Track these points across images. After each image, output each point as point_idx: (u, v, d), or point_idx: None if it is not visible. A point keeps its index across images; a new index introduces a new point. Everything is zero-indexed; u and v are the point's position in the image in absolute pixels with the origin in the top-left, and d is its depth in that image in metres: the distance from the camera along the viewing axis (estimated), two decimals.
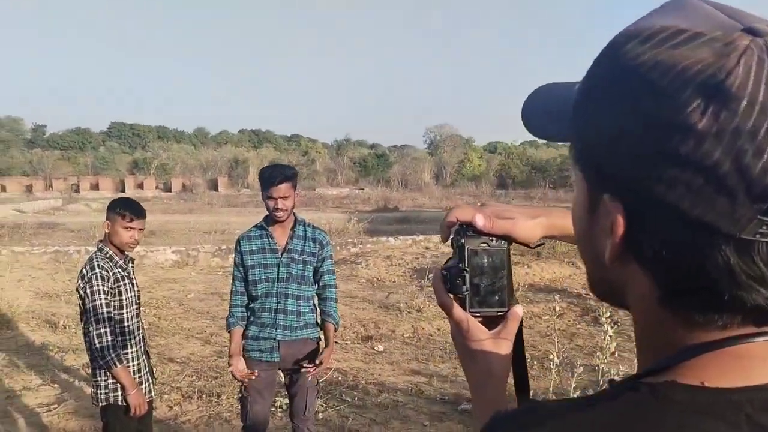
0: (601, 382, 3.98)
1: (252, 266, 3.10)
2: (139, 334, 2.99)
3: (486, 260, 0.75)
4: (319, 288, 3.22)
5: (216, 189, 44.09)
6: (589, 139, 0.50)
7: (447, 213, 0.80)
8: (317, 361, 3.08)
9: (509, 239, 0.77)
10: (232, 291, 3.20)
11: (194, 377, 5.36)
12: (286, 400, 3.74)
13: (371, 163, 51.95)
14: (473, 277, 0.75)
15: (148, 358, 3.11)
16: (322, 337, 3.21)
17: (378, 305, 8.54)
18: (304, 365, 3.08)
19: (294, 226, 3.15)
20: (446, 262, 0.83)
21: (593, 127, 0.49)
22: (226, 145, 62.65)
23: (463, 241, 0.75)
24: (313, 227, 3.25)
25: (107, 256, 2.89)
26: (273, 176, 2.99)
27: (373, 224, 18.37)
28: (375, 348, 6.41)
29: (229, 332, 3.16)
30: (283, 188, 3.00)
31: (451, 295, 0.76)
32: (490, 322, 0.76)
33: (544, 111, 0.60)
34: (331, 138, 63.26)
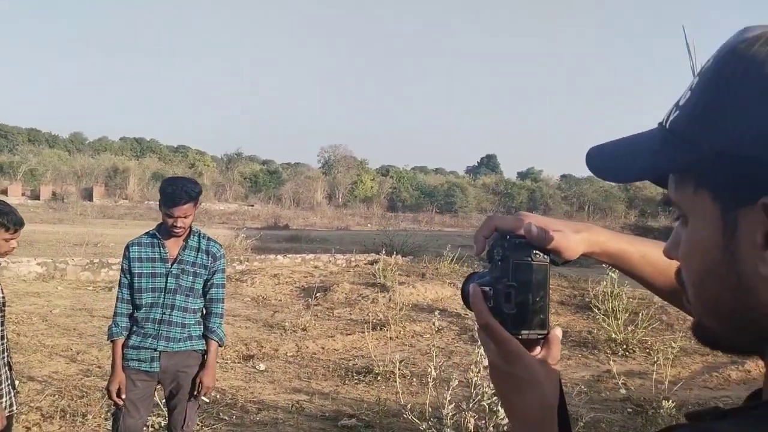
0: (473, 395, 4.18)
1: (139, 274, 3.01)
2: (1, 345, 2.75)
3: (531, 275, 0.68)
4: (206, 301, 3.12)
5: (91, 199, 41.17)
6: (729, 149, 0.47)
7: (483, 222, 0.74)
8: (197, 381, 3.01)
9: (554, 253, 0.71)
10: (117, 298, 3.08)
11: (56, 396, 4.96)
12: (161, 419, 3.60)
13: (263, 180, 51.05)
14: (518, 295, 0.67)
15: (11, 369, 2.86)
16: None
17: (262, 324, 8.39)
18: (189, 387, 3.01)
19: (188, 237, 3.07)
20: (467, 278, 0.76)
21: (737, 132, 0.47)
22: (105, 152, 58.83)
23: (507, 252, 0.68)
24: (208, 239, 3.17)
25: None
26: (176, 196, 2.90)
27: (261, 242, 18.03)
28: (256, 367, 6.30)
29: (111, 342, 3.04)
30: (186, 208, 2.94)
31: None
32: (527, 347, 0.69)
33: (614, 156, 0.59)
34: (222, 151, 61.41)
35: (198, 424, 4.44)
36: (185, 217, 2.96)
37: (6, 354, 2.78)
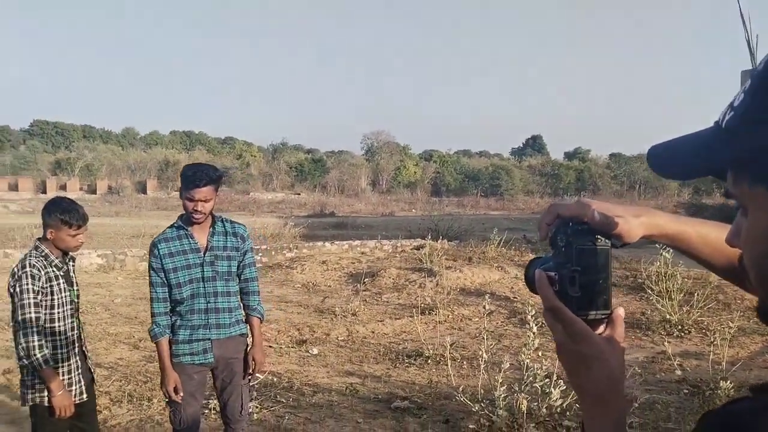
0: (524, 377, 4.19)
1: (174, 269, 2.93)
2: (72, 335, 2.90)
3: (594, 259, 0.72)
4: (241, 282, 3.12)
5: (144, 192, 42.60)
6: None
7: (546, 209, 0.78)
8: (250, 360, 3.06)
9: (615, 237, 0.75)
10: (152, 298, 3.00)
11: (123, 381, 5.24)
12: (216, 401, 3.73)
13: (308, 168, 51.64)
14: (582, 278, 0.71)
15: (86, 359, 3.03)
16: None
17: (313, 309, 8.57)
18: (242, 371, 3.05)
19: (213, 224, 3.04)
20: (531, 263, 0.81)
21: None
22: (156, 146, 60.62)
23: (571, 239, 0.72)
24: (232, 222, 3.15)
25: (42, 254, 2.84)
26: (197, 177, 2.85)
27: (309, 229, 18.32)
28: (310, 351, 6.45)
29: (155, 343, 2.98)
30: (206, 191, 2.86)
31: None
32: (592, 327, 0.72)
33: (674, 154, 0.64)
34: (267, 142, 62.26)
35: (257, 407, 4.61)
36: (205, 201, 2.89)
37: (77, 344, 2.94)
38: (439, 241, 12.78)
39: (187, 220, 2.98)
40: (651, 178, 46.66)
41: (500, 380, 4.10)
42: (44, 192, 40.65)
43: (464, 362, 5.93)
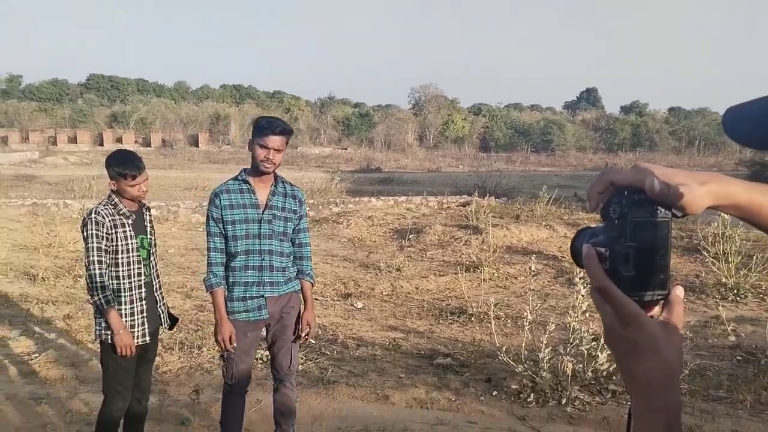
0: (570, 339, 4.13)
1: (232, 222, 2.95)
2: (138, 281, 2.98)
3: (652, 234, 0.64)
4: (294, 246, 3.16)
5: (197, 145, 43.44)
6: None
7: (598, 177, 0.69)
8: (304, 323, 3.11)
9: (676, 208, 0.66)
10: (209, 248, 3.02)
11: (175, 329, 5.42)
12: (267, 353, 3.81)
13: (355, 123, 51.50)
14: (637, 255, 0.64)
15: (156, 304, 3.11)
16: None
17: (358, 264, 8.65)
18: (293, 327, 3.09)
19: (275, 183, 3.07)
20: (578, 234, 0.73)
21: None
22: (207, 100, 61.43)
23: (626, 210, 0.65)
24: (291, 184, 3.18)
25: (112, 202, 2.96)
26: (273, 124, 2.90)
27: (355, 184, 18.37)
28: (354, 305, 6.54)
29: (210, 293, 3.00)
30: (279, 140, 2.90)
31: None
32: (645, 309, 0.66)
33: (758, 122, 0.58)
34: (315, 96, 62.24)
35: (302, 358, 4.73)
36: (277, 151, 2.92)
37: (144, 290, 3.02)
38: (486, 198, 12.60)
39: (253, 171, 3.00)
40: (711, 134, 44.47)
41: (545, 341, 4.05)
42: (101, 144, 42.02)
43: (508, 321, 5.89)
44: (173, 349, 4.92)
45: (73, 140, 43.09)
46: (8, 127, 46.24)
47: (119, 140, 43.42)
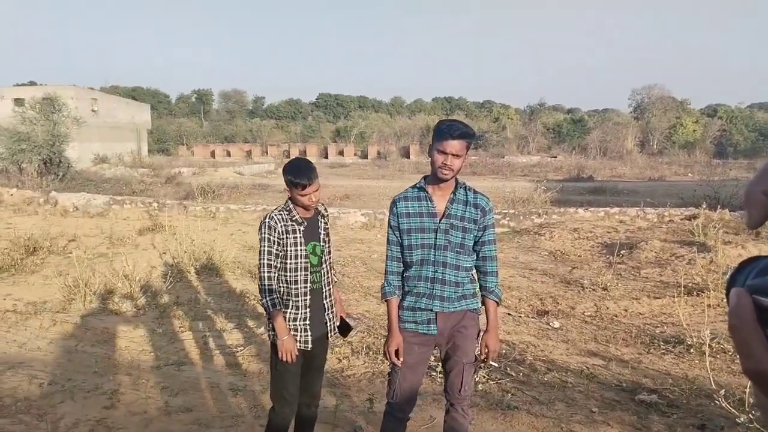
0: None
1: (408, 230, 2.85)
2: (305, 287, 3.00)
3: None
4: (478, 260, 2.91)
5: (408, 156, 45.47)
6: None
7: (754, 179, 0.44)
8: (482, 345, 2.86)
9: None
10: (387, 256, 2.96)
11: (365, 333, 5.56)
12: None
13: (566, 129, 49.20)
14: None
15: (323, 311, 3.10)
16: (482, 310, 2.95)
17: (559, 279, 8.08)
18: (467, 348, 2.86)
19: (455, 190, 2.87)
20: (741, 269, 0.47)
21: None
22: (420, 113, 64.03)
23: None
24: (475, 192, 2.93)
25: (287, 209, 3.05)
26: (452, 128, 2.72)
27: (561, 194, 17.42)
28: (550, 324, 6.07)
29: (385, 302, 2.95)
30: (458, 145, 2.71)
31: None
32: None
33: None
34: (525, 103, 60.93)
35: (484, 377, 4.47)
36: (456, 156, 2.72)
37: (311, 297, 3.04)
38: (717, 211, 10.96)
39: (432, 178, 2.86)
40: None
41: None
42: (326, 157, 46.25)
43: (735, 358, 4.93)
44: (360, 354, 5.02)
45: (303, 153, 48.19)
46: (252, 142, 53.55)
47: (341, 153, 47.39)
